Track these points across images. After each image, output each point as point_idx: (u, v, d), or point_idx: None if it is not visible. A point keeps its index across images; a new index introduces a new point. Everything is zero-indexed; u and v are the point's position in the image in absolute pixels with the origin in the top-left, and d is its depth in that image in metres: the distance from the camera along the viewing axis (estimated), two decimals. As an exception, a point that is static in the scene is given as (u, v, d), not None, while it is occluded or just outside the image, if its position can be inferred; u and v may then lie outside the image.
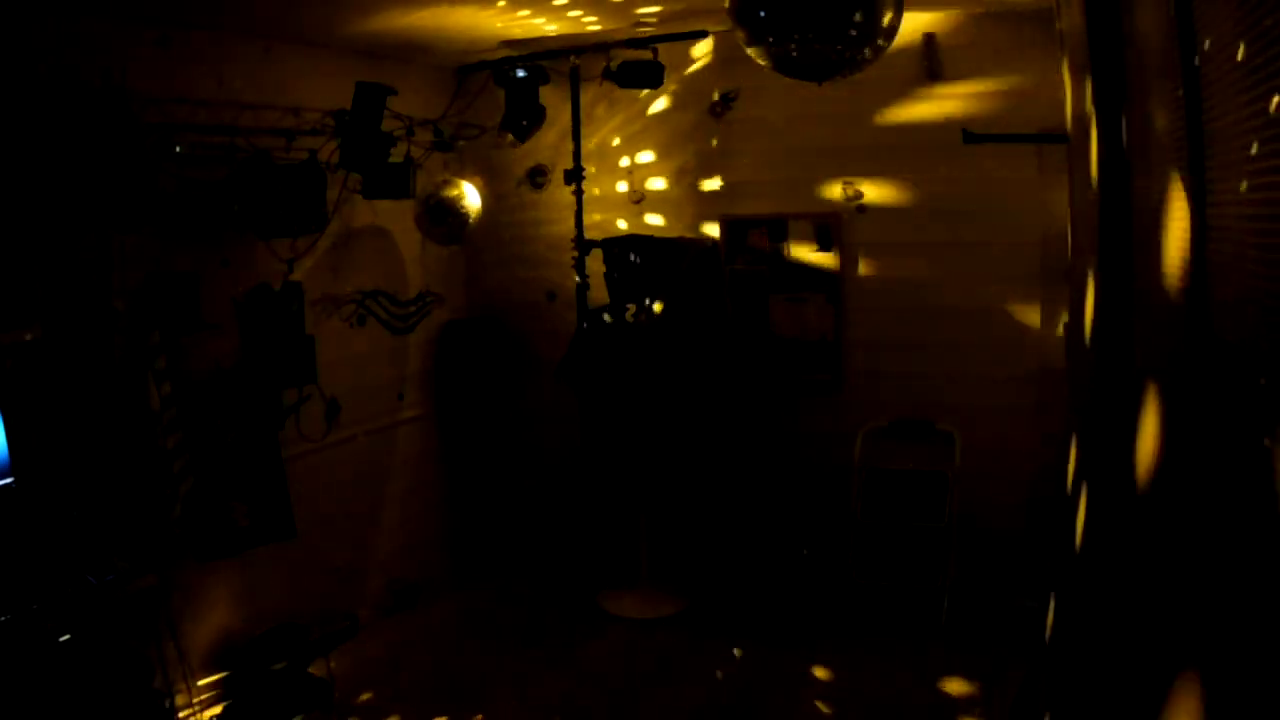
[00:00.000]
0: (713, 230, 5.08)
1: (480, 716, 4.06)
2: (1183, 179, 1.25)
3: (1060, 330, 4.35)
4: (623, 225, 5.28)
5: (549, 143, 5.34)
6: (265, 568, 4.31)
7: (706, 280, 4.90)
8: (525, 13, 4.16)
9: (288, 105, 4.36)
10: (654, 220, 5.25)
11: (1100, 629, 1.82)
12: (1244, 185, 1.03)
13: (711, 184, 5.10)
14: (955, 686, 4.05)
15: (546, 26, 4.47)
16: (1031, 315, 4.47)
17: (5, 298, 3.28)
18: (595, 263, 4.98)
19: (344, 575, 4.83)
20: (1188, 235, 1.24)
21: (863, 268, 4.80)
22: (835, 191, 4.79)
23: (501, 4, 3.94)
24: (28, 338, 3.31)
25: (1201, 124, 1.16)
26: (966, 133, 4.10)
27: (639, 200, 5.28)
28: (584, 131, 5.10)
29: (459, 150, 5.38)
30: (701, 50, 4.95)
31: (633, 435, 5.05)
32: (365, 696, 4.19)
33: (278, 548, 4.30)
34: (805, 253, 4.89)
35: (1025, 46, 4.27)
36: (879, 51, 2.85)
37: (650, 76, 4.68)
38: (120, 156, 3.50)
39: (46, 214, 3.39)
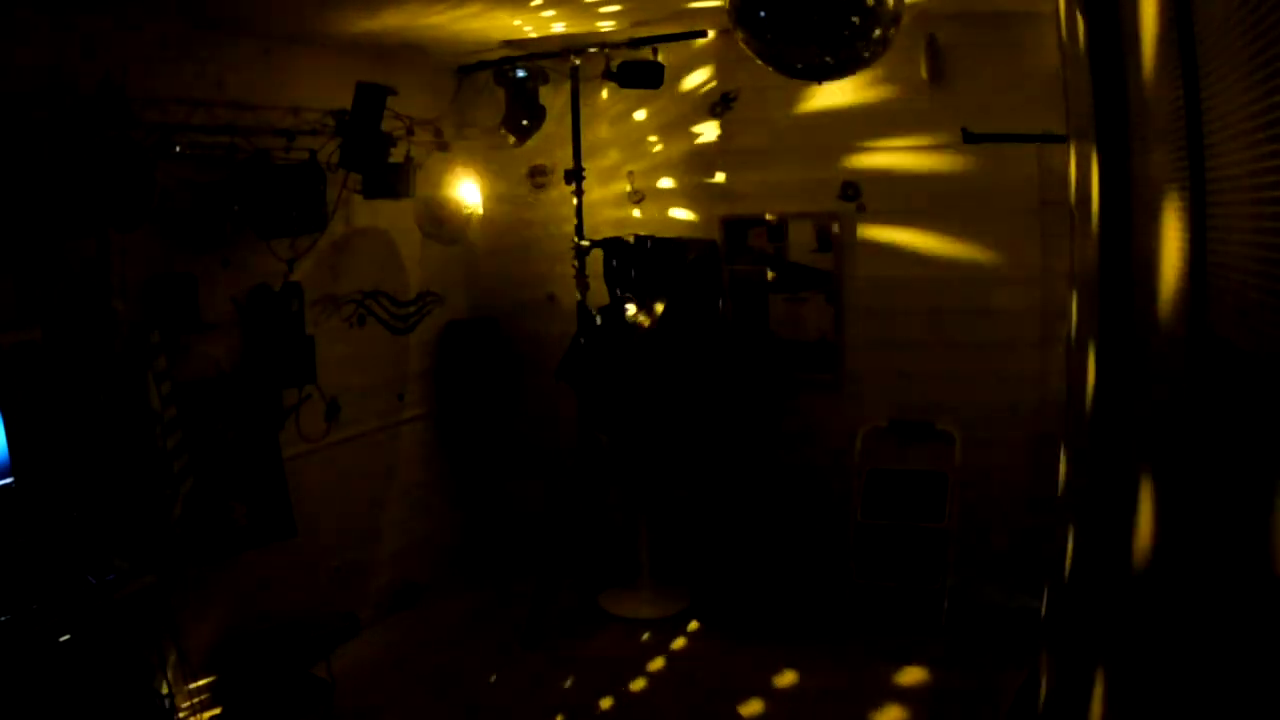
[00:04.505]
0: (712, 230, 5.08)
1: (481, 717, 4.06)
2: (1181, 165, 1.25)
3: (1061, 330, 4.35)
4: (623, 225, 5.27)
5: (549, 143, 5.34)
6: (265, 568, 4.30)
7: (706, 280, 4.90)
8: (518, 21, 4.18)
9: (288, 105, 4.36)
10: (654, 220, 5.24)
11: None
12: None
13: (711, 184, 5.10)
14: (955, 687, 4.05)
15: (536, 27, 4.48)
16: (1031, 315, 4.47)
17: (5, 298, 3.28)
18: (595, 263, 4.98)
19: (344, 575, 4.83)
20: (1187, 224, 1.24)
21: (862, 268, 4.80)
22: (835, 191, 4.79)
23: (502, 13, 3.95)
24: (28, 338, 3.31)
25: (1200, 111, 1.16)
26: (966, 132, 4.10)
27: (639, 200, 5.28)
28: (584, 131, 5.10)
29: (459, 150, 5.37)
30: (702, 50, 4.94)
31: (633, 435, 5.05)
32: (365, 697, 4.19)
33: (278, 548, 4.30)
34: (805, 253, 4.89)
35: (1026, 47, 4.27)
36: (879, 51, 2.86)
37: (650, 76, 4.68)
38: (120, 157, 3.50)
39: (46, 214, 3.39)
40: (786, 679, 4.23)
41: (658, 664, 4.44)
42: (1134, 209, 1.67)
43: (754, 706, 4.03)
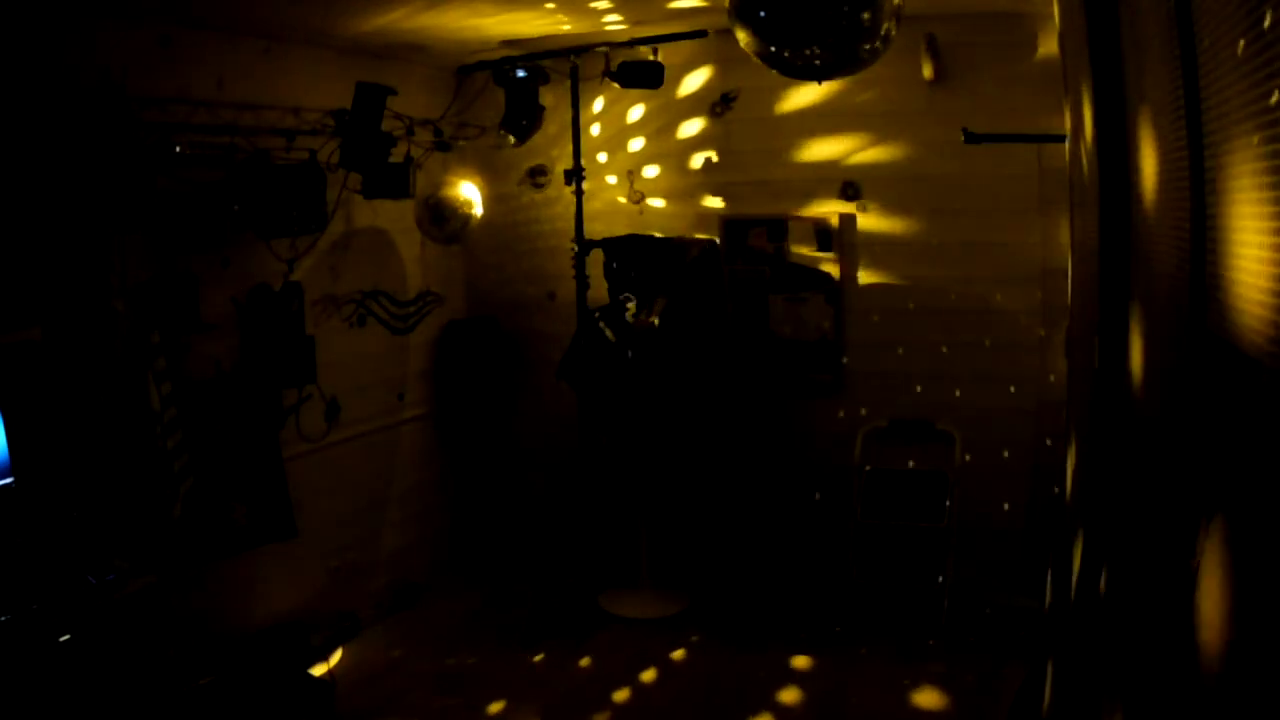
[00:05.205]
0: (712, 231, 5.08)
1: (480, 717, 4.05)
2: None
3: (1061, 331, 4.35)
4: (623, 225, 5.27)
5: (549, 143, 5.34)
6: (265, 568, 4.30)
7: (706, 280, 4.90)
8: (523, 17, 4.17)
9: (288, 105, 4.36)
10: (654, 220, 5.24)
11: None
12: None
13: (711, 184, 5.10)
14: (954, 687, 4.05)
15: (559, 26, 4.47)
16: (1032, 315, 4.47)
17: (5, 298, 3.28)
18: (595, 263, 4.97)
19: (344, 575, 4.83)
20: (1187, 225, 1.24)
21: (862, 268, 4.80)
22: (835, 191, 4.79)
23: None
24: (28, 338, 3.31)
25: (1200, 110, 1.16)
26: (967, 132, 4.10)
27: (639, 200, 5.28)
28: (584, 131, 5.10)
29: (459, 150, 5.38)
30: (702, 50, 4.94)
31: (633, 435, 5.05)
32: (365, 697, 4.19)
33: (278, 547, 4.30)
34: (805, 253, 4.89)
35: (1026, 46, 4.28)
36: (879, 51, 2.86)
37: (650, 76, 4.68)
38: (120, 156, 3.50)
39: (46, 214, 3.39)
40: (786, 680, 4.23)
41: (658, 665, 4.43)
42: (1133, 205, 1.67)
43: (753, 707, 4.03)
